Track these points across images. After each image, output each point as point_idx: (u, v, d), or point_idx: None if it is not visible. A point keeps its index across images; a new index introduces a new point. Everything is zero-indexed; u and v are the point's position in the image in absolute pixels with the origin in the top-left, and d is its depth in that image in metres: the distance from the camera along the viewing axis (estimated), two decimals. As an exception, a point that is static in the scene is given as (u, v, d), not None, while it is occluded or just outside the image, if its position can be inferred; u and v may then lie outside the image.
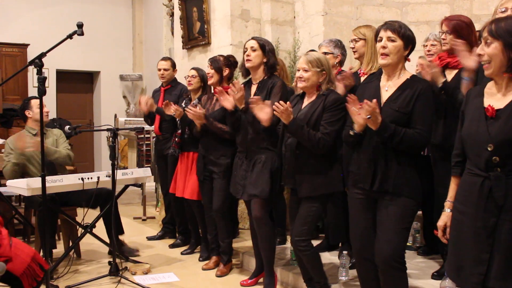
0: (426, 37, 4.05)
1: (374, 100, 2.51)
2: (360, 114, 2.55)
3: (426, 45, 3.96)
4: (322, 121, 3.09)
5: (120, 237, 4.67)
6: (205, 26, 6.10)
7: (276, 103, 3.03)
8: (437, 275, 3.44)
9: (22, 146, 4.33)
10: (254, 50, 3.64)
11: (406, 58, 2.71)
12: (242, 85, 3.66)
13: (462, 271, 2.16)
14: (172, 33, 7.80)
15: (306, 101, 3.26)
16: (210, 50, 6.06)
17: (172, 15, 8.38)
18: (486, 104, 2.12)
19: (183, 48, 6.54)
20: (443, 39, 3.27)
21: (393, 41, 2.62)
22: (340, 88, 3.41)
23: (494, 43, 2.06)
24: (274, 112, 3.05)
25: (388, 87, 2.71)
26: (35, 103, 4.51)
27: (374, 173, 2.65)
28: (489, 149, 2.04)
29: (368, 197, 2.73)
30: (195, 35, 6.33)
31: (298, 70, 3.22)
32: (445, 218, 2.31)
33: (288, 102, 3.08)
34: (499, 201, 2.03)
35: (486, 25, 2.13)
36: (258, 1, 6.00)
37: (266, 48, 3.64)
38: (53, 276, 3.97)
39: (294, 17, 6.03)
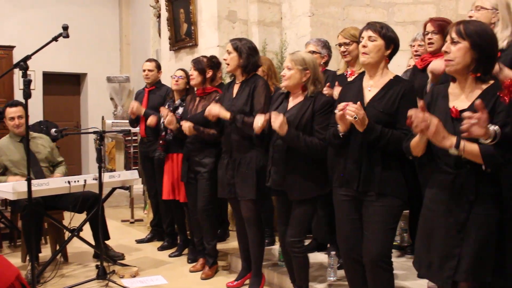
0: (414, 37, 4.03)
1: (358, 103, 2.53)
2: (346, 116, 2.54)
3: (414, 45, 3.94)
4: (316, 126, 3.08)
5: (107, 242, 4.63)
6: (192, 28, 6.09)
7: (273, 113, 3.04)
8: (425, 275, 3.45)
9: None
10: (230, 53, 3.62)
11: (387, 59, 2.71)
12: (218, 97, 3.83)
13: (433, 266, 2.23)
14: (159, 35, 7.77)
15: (292, 102, 3.24)
16: (197, 51, 6.05)
17: (159, 16, 8.34)
18: (451, 105, 2.20)
19: (170, 50, 6.52)
20: (429, 38, 3.31)
21: (373, 40, 2.65)
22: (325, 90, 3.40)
23: (462, 43, 2.14)
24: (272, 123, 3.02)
25: (370, 87, 2.71)
26: (8, 112, 4.39)
27: (359, 173, 2.66)
28: None
29: (354, 198, 2.73)
30: (182, 36, 6.32)
31: (283, 69, 3.21)
32: None
33: (282, 115, 3.03)
34: (470, 197, 2.13)
35: (453, 25, 2.20)
36: (245, 2, 6.00)
37: (241, 50, 3.58)
38: (40, 281, 3.94)
39: (281, 18, 6.04)
